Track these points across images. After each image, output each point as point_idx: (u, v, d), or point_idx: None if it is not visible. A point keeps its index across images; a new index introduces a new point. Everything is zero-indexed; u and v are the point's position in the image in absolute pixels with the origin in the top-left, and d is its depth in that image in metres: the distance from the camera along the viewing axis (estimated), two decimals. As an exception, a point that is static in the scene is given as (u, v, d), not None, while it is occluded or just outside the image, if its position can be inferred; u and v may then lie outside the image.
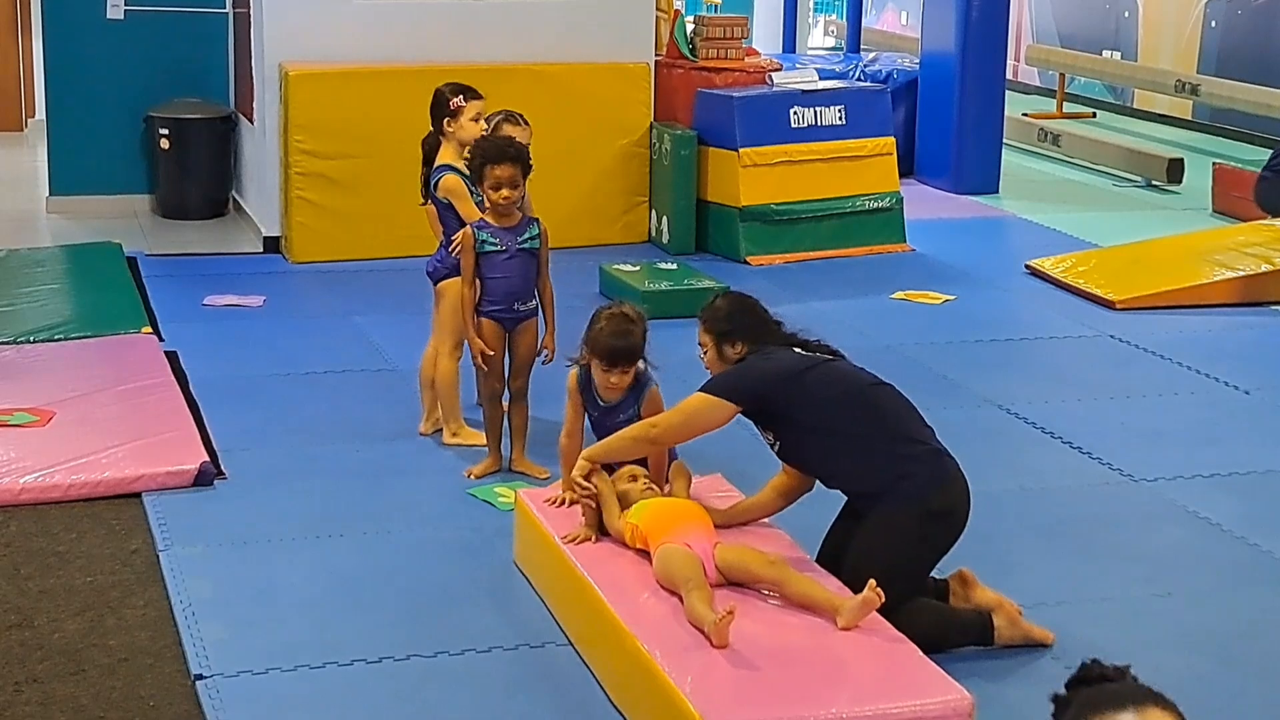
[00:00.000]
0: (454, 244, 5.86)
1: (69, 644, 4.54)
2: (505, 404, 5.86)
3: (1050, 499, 5.78)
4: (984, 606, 4.62)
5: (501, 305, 5.71)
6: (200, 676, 4.33)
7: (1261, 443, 6.39)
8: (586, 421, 5.13)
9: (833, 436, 4.53)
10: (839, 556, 4.56)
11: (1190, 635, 4.74)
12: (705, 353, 4.76)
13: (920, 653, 4.06)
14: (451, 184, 6.04)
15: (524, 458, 5.81)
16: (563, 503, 4.93)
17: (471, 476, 5.77)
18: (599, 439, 5.02)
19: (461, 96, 6.19)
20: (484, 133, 6.09)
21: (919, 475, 4.49)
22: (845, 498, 4.66)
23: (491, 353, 5.71)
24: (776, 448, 4.66)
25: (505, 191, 5.60)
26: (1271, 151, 10.56)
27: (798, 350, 4.69)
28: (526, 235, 5.69)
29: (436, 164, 6.20)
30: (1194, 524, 5.58)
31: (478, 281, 5.70)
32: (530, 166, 5.73)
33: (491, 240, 5.66)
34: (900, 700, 3.82)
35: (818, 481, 4.70)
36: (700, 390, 4.60)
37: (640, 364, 5.02)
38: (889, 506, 4.48)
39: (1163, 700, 2.26)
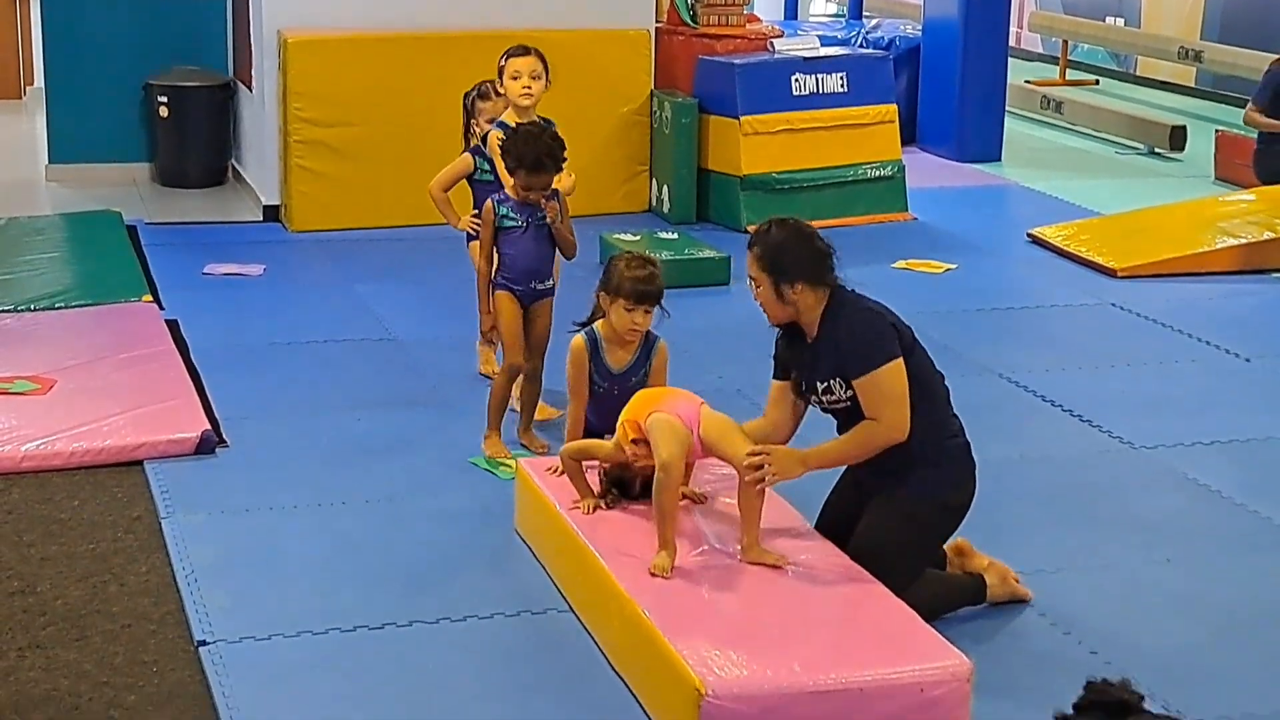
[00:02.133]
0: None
1: (72, 610, 4.55)
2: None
3: (1051, 467, 5.79)
4: (976, 572, 4.64)
5: (519, 282, 5.68)
6: (203, 642, 4.34)
7: (1262, 410, 6.39)
8: (593, 392, 5.10)
9: None
10: (842, 531, 4.55)
11: (1189, 602, 4.75)
12: (758, 288, 4.51)
13: (920, 619, 4.08)
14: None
15: (529, 430, 5.77)
16: (562, 472, 4.94)
17: (486, 453, 5.71)
18: (601, 414, 5.00)
19: (506, 55, 6.18)
20: (524, 93, 6.04)
21: (947, 470, 4.48)
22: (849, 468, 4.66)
23: (499, 332, 5.71)
24: (843, 406, 4.45)
25: (534, 194, 5.59)
26: None
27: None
28: (544, 212, 5.64)
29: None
30: (1194, 491, 5.59)
31: (496, 255, 5.70)
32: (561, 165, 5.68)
33: (511, 216, 5.64)
34: (901, 666, 3.83)
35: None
36: (871, 375, 4.33)
37: (655, 313, 5.03)
38: (908, 493, 4.44)
39: None
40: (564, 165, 5.70)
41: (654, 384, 5.08)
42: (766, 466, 4.35)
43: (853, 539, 4.49)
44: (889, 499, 4.47)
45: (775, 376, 4.63)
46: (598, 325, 5.08)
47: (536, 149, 5.56)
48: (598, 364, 5.07)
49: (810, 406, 4.60)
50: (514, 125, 5.88)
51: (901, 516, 4.45)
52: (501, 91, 6.25)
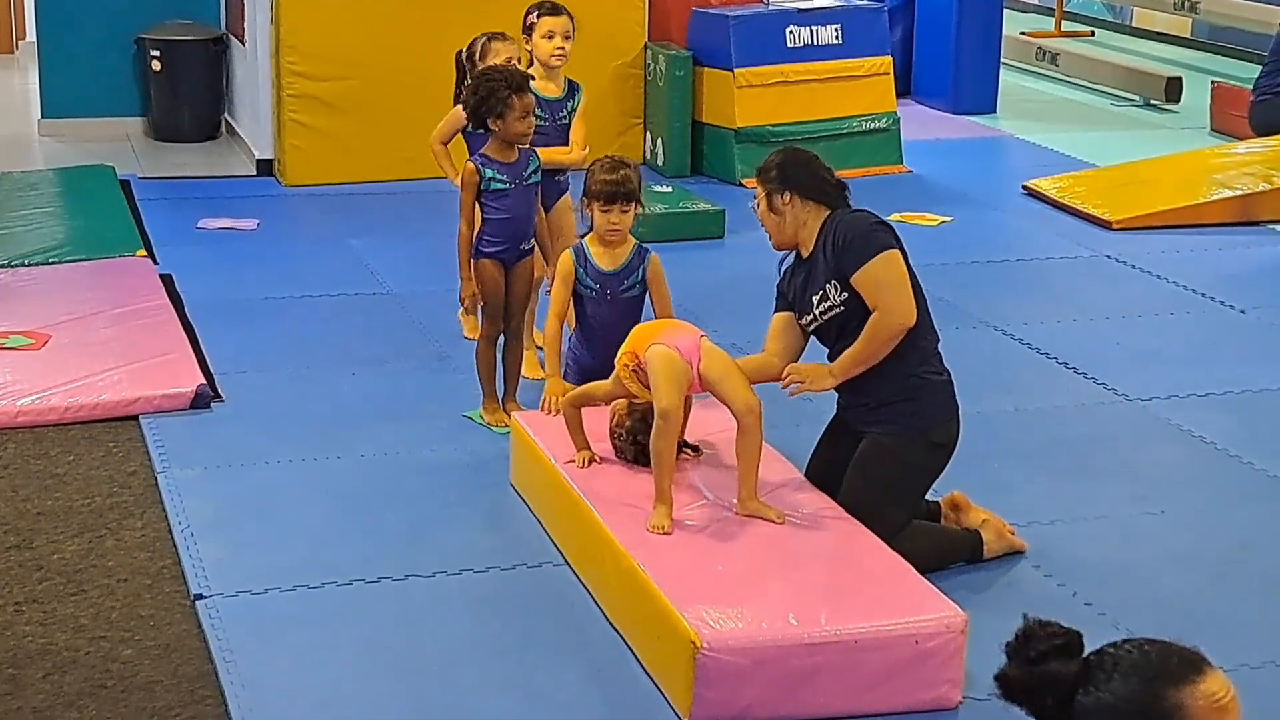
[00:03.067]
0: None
1: (68, 564, 4.56)
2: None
3: (1045, 419, 5.80)
4: (972, 527, 4.65)
5: (506, 245, 5.49)
6: (200, 596, 4.36)
7: (1256, 361, 6.40)
8: (586, 307, 5.11)
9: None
10: (831, 477, 4.57)
11: (1183, 553, 4.77)
12: (757, 205, 4.61)
13: (914, 572, 4.09)
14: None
15: (514, 399, 5.65)
16: (552, 407, 4.95)
17: (485, 419, 5.66)
18: (599, 320, 5.04)
19: (536, 12, 6.04)
20: (556, 54, 5.96)
21: (930, 405, 4.48)
22: (836, 409, 4.66)
23: (482, 301, 5.52)
24: (837, 313, 4.46)
25: (530, 120, 5.40)
26: (1259, 72, 10.51)
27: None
28: (529, 169, 5.50)
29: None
30: (1188, 443, 5.60)
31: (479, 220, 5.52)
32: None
33: (499, 178, 5.42)
34: (895, 618, 3.85)
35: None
36: (866, 266, 4.37)
37: (636, 210, 5.06)
38: (893, 431, 4.46)
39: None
40: None
41: (655, 295, 5.10)
42: (796, 378, 4.46)
43: (843, 484, 4.50)
44: (874, 442, 4.48)
45: (776, 310, 4.65)
46: (586, 238, 5.15)
47: (509, 72, 5.41)
48: (588, 267, 5.09)
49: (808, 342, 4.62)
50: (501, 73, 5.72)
51: (887, 456, 4.47)
52: (527, 48, 6.11)
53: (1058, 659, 2.22)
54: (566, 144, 6.05)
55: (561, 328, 5.13)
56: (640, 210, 5.15)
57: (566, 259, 5.14)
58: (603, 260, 5.09)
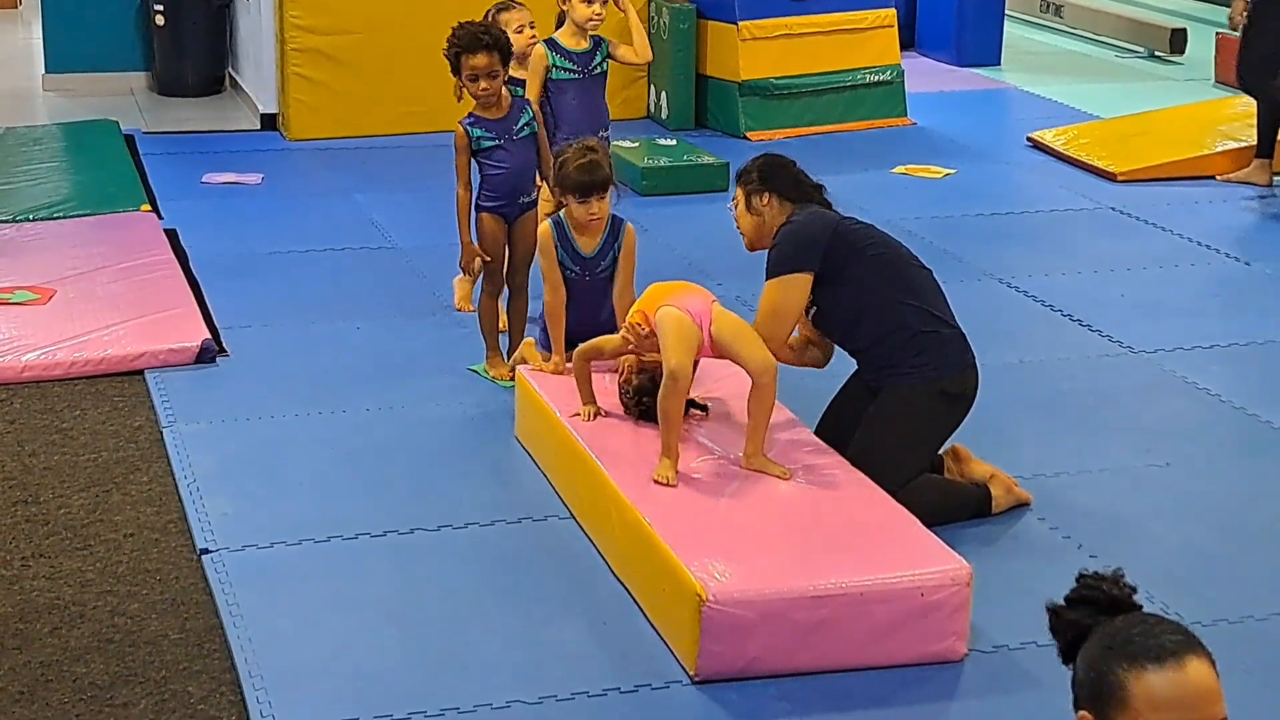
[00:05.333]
0: None
1: (75, 519, 4.57)
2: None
3: (1050, 371, 5.80)
4: (978, 480, 4.65)
5: (505, 200, 5.52)
6: (206, 550, 4.37)
7: (1261, 314, 6.39)
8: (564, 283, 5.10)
9: (867, 292, 4.49)
10: (844, 432, 4.58)
11: (1188, 505, 4.77)
12: (735, 208, 4.71)
13: (920, 524, 4.10)
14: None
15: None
16: (558, 370, 4.95)
17: (489, 373, 5.67)
18: (576, 305, 5.06)
19: None
20: (594, 19, 6.10)
21: (940, 356, 4.50)
22: (853, 368, 4.67)
23: (489, 259, 5.52)
24: (813, 312, 4.61)
25: (483, 83, 5.37)
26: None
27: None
28: (521, 122, 5.51)
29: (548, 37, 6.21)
30: (1193, 395, 5.60)
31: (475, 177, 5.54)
32: (511, 53, 5.54)
33: (487, 136, 5.45)
34: (901, 570, 3.85)
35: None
36: (768, 281, 4.52)
37: (611, 196, 5.03)
38: (904, 382, 4.48)
39: (1197, 645, 2.18)
40: (510, 54, 5.53)
41: (624, 266, 5.10)
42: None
43: (854, 438, 4.52)
44: (889, 392, 4.51)
45: None
46: (563, 212, 5.11)
47: (471, 29, 5.39)
48: (568, 249, 5.07)
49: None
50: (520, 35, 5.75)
51: (901, 405, 4.49)
52: (564, 7, 6.18)
53: (1079, 608, 2.27)
54: (603, 90, 6.23)
55: (562, 301, 5.10)
56: (616, 190, 5.08)
57: (547, 233, 5.09)
58: (582, 244, 5.08)
